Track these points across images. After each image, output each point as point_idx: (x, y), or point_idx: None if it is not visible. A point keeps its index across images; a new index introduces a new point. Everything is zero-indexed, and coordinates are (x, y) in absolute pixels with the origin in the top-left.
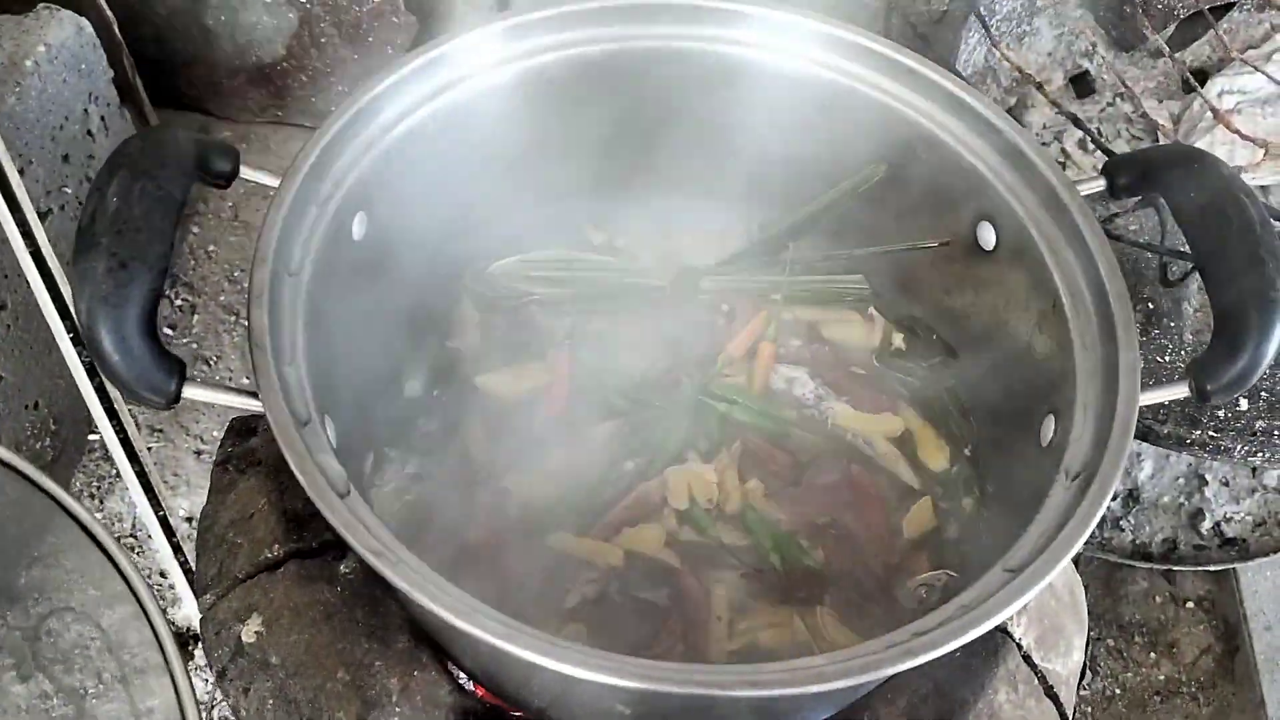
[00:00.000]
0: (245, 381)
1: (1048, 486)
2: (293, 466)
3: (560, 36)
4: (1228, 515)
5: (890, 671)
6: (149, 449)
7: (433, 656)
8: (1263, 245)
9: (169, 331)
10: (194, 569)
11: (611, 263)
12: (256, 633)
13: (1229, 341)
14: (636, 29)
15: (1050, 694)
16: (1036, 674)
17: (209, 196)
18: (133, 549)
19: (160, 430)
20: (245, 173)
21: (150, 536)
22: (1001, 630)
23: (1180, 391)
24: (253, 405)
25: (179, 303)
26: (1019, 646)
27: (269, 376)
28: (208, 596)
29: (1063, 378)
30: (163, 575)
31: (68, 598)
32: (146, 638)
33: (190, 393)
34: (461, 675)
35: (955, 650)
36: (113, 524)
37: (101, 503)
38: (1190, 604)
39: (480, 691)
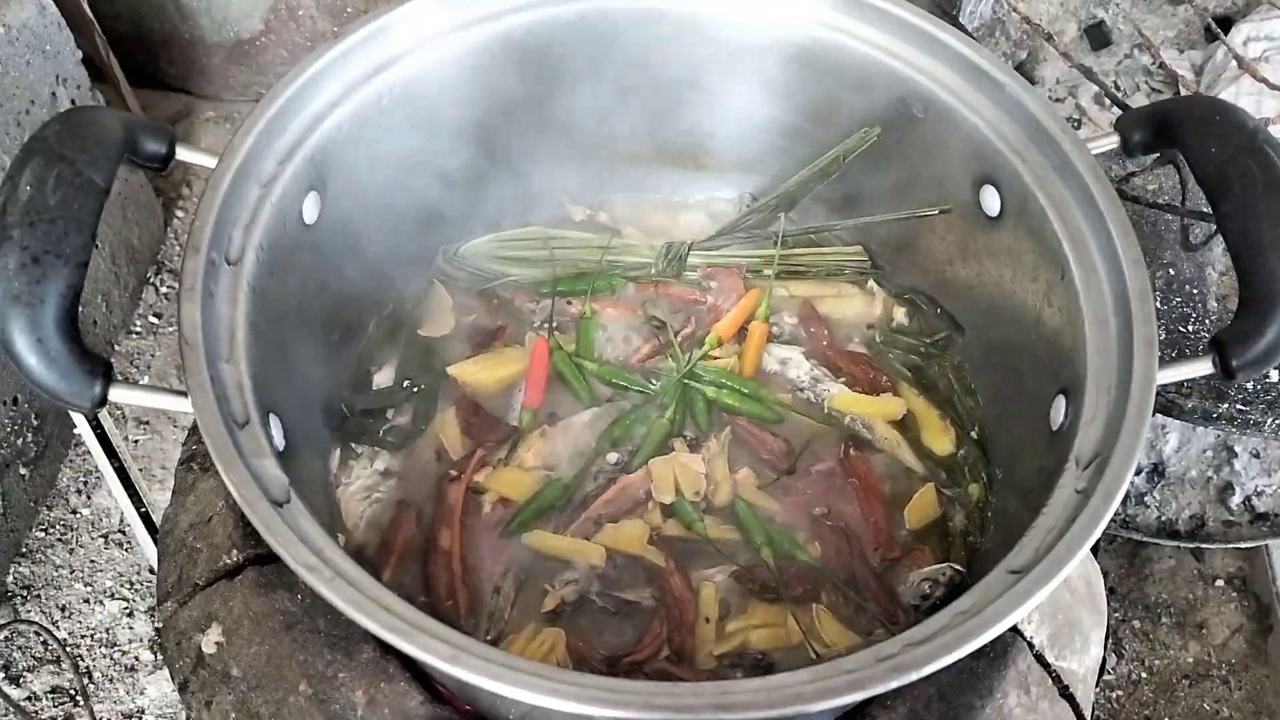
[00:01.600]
0: None
1: (1057, 475)
2: (221, 473)
3: None
4: (1259, 489)
5: (877, 691)
6: (135, 442)
7: (401, 666)
8: None
9: (155, 319)
10: (155, 576)
11: (592, 240)
12: (217, 643)
13: (1257, 312)
14: None
15: (1065, 694)
16: (1050, 674)
17: (194, 179)
18: (121, 545)
19: (146, 423)
20: (181, 154)
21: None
22: (1011, 629)
23: (1203, 368)
24: (184, 406)
25: (164, 290)
26: (1030, 646)
27: (199, 375)
28: (168, 604)
29: (1073, 355)
30: (151, 571)
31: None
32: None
33: (116, 395)
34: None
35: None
36: (100, 519)
37: (89, 498)
38: (1220, 582)
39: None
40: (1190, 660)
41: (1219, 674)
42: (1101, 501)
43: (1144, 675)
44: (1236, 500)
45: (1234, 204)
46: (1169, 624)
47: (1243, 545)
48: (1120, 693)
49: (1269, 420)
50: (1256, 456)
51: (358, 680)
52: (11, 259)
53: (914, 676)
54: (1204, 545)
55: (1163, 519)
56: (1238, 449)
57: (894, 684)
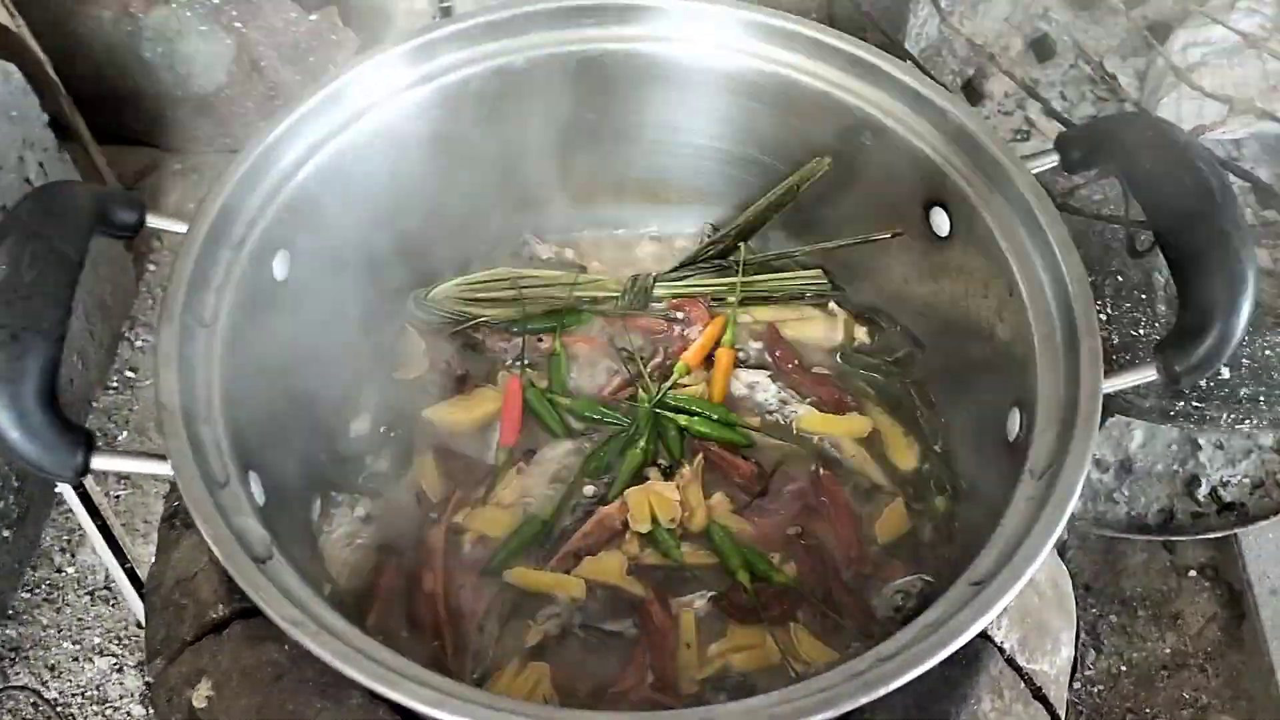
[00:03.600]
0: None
1: (1014, 486)
2: (205, 535)
3: (475, 50)
4: (1224, 479)
5: (850, 707)
6: (117, 498)
7: (390, 709)
8: (1223, 214)
9: (131, 374)
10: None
11: (559, 277)
12: (207, 698)
13: (1195, 322)
14: (557, 35)
15: (1039, 696)
16: (1022, 677)
17: (164, 233)
18: (108, 601)
19: (127, 478)
20: (152, 221)
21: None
22: (981, 635)
23: (1148, 375)
24: (165, 470)
25: (139, 345)
26: (1001, 651)
27: (179, 439)
28: (157, 661)
29: (1025, 368)
30: (139, 626)
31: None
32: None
33: (99, 463)
34: None
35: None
36: (86, 577)
37: (74, 556)
38: (1192, 573)
39: None
40: (1168, 651)
41: (1196, 662)
42: (1054, 511)
43: (1123, 668)
44: (1203, 492)
45: (1169, 220)
46: (1145, 617)
47: (1212, 536)
48: (1101, 687)
49: (1224, 415)
50: (1220, 448)
51: None
52: None
53: (884, 691)
54: (1174, 538)
55: (1132, 514)
56: (1202, 442)
57: (865, 699)
